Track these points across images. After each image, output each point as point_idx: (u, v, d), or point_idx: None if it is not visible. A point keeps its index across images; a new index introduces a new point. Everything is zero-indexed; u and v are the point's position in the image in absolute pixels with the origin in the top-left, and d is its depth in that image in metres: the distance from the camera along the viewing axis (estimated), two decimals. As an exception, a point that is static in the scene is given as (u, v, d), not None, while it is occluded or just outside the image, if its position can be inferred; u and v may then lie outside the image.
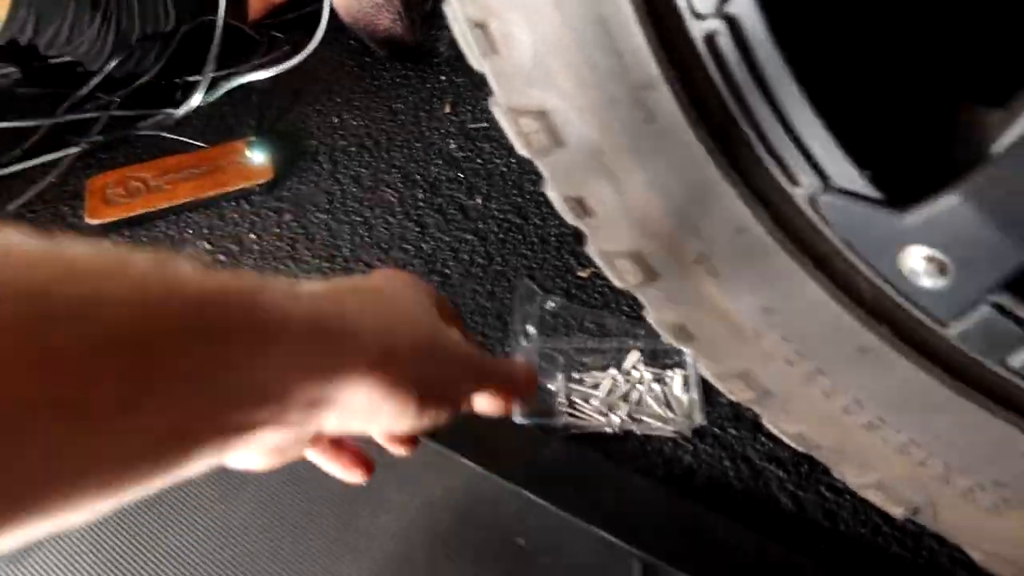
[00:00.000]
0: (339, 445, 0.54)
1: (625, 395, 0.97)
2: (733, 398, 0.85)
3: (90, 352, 0.26)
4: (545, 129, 0.80)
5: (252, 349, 0.34)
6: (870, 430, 0.76)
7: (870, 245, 0.71)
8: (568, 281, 1.15)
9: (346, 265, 1.21)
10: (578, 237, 0.87)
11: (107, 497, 0.29)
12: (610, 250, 0.84)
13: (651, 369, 0.99)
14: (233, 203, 1.35)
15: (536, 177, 0.84)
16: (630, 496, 0.85)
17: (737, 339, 0.80)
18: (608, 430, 0.94)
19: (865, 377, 0.74)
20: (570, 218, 0.86)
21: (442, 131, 1.47)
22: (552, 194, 0.86)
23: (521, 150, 0.84)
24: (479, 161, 1.39)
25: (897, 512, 0.79)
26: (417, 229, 1.27)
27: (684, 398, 0.96)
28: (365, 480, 0.55)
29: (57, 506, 0.26)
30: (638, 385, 0.98)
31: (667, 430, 0.92)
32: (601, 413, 0.94)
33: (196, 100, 1.54)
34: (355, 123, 1.53)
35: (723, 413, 0.96)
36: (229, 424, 0.34)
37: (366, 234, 1.27)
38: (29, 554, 0.79)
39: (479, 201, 1.31)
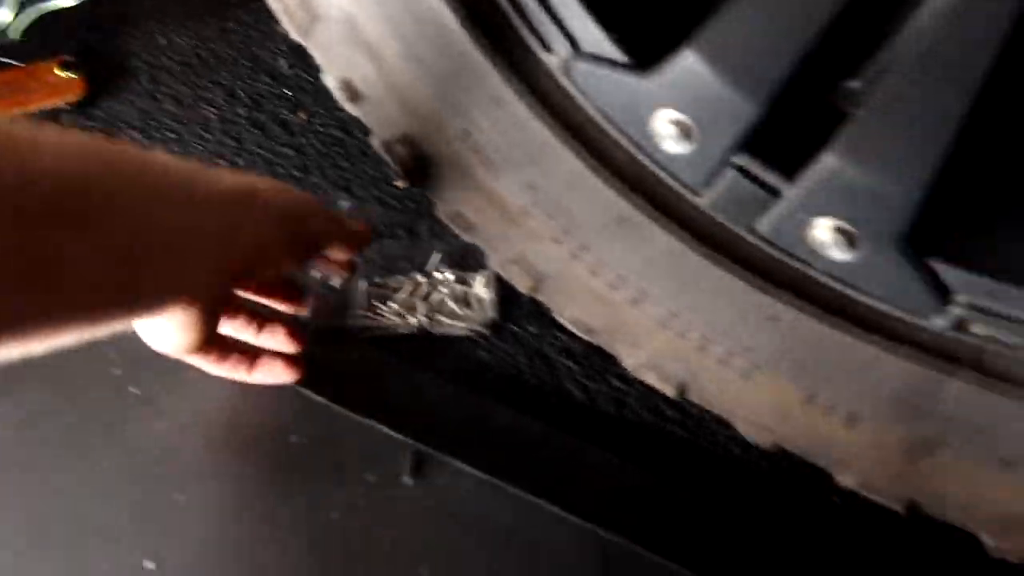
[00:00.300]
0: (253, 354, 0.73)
1: (426, 296, 0.94)
2: (522, 289, 0.84)
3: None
4: (303, 3, 0.76)
5: (178, 208, 0.46)
6: (634, 305, 0.75)
7: (621, 112, 0.69)
8: (383, 191, 1.11)
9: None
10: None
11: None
12: (386, 137, 0.81)
13: (455, 271, 0.97)
14: (41, 120, 1.26)
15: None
16: (412, 391, 0.83)
17: (507, 221, 0.78)
18: (404, 331, 0.91)
19: (625, 250, 0.73)
20: (348, 107, 0.82)
21: (273, 49, 1.40)
22: (328, 80, 0.82)
23: (291, 31, 0.80)
24: (309, 79, 1.32)
25: (669, 391, 0.79)
26: (234, 144, 1.21)
27: (486, 298, 0.93)
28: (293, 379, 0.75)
29: None
30: (440, 287, 0.95)
31: (462, 327, 0.90)
32: (398, 315, 0.92)
33: (5, 18, 1.42)
34: (182, 42, 1.44)
35: (524, 311, 0.95)
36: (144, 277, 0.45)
37: (179, 150, 1.20)
38: None
39: (303, 117, 1.25)
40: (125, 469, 0.77)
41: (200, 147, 1.21)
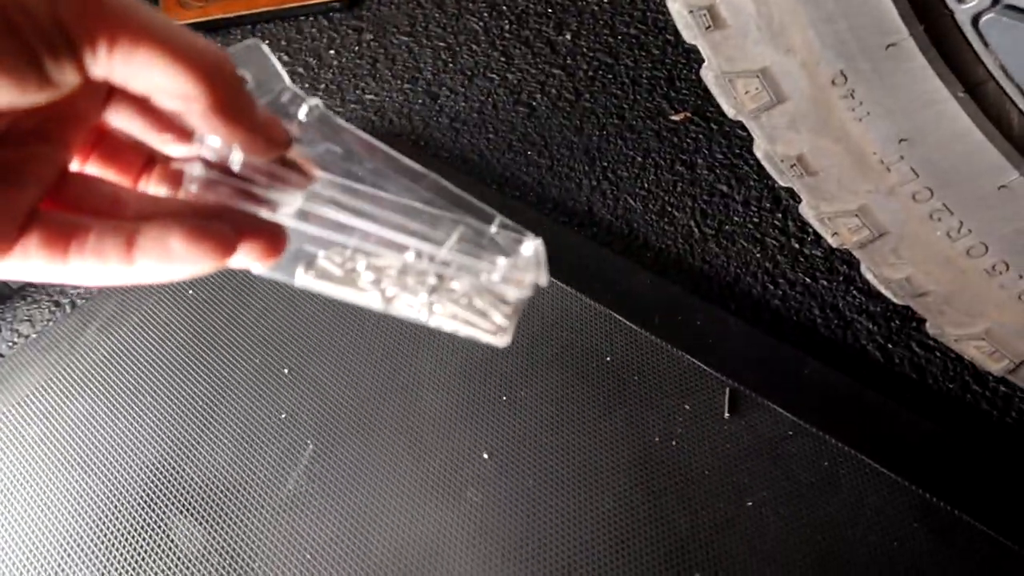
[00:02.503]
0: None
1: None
2: (835, 242, 0.82)
3: None
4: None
5: None
6: (991, 275, 0.73)
7: (1033, 72, 0.65)
8: (660, 124, 1.10)
9: (428, 88, 1.17)
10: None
11: None
12: (736, 69, 0.79)
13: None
14: (312, 18, 1.30)
15: (629, 19, 0.78)
16: (721, 330, 0.83)
17: (862, 172, 0.76)
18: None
19: (998, 218, 0.70)
20: (693, 35, 0.80)
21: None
22: (674, 5, 0.80)
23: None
24: (569, -2, 1.31)
25: (997, 367, 0.77)
26: (503, 59, 1.22)
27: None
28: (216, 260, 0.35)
29: None
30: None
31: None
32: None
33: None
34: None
35: (814, 264, 0.93)
36: None
37: (449, 60, 1.22)
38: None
39: (568, 37, 1.24)
40: (457, 368, 0.81)
41: (470, 59, 1.22)
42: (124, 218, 0.35)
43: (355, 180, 0.42)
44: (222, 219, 0.35)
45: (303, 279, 0.42)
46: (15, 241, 0.32)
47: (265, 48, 0.39)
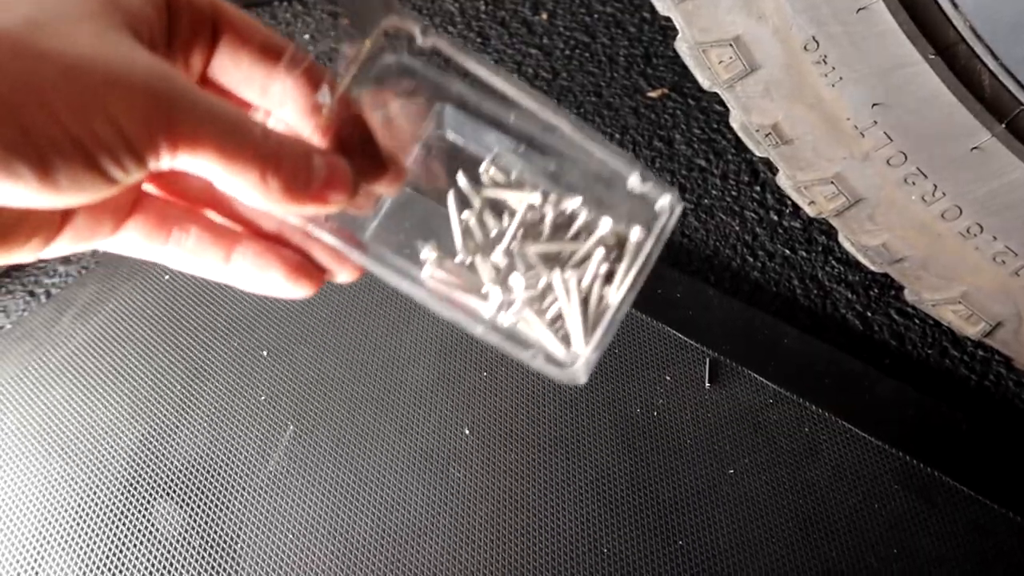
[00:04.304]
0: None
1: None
2: (812, 211, 0.83)
3: None
4: None
5: None
6: (965, 238, 0.73)
7: (999, 32, 0.66)
8: (636, 101, 1.10)
9: (404, 70, 1.16)
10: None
11: None
12: (709, 39, 0.79)
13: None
14: (286, 3, 1.29)
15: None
16: (699, 300, 0.83)
17: (836, 138, 0.76)
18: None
19: (972, 180, 0.71)
20: (666, 6, 0.80)
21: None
22: (649, -24, 0.79)
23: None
24: (545, -22, 1.31)
25: (974, 331, 0.77)
26: (479, 40, 1.21)
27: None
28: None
29: None
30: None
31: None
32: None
33: None
34: (414, -67, 1.44)
35: (793, 235, 0.93)
36: None
37: (425, 42, 1.21)
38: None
39: (544, 17, 1.24)
40: (436, 346, 0.81)
41: (445, 40, 1.21)
42: (220, 211, 0.39)
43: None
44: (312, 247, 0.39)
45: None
46: (122, 222, 0.36)
47: None
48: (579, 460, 0.74)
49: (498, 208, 0.43)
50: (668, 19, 0.81)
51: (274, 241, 0.39)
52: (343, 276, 0.40)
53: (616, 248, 0.40)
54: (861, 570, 0.68)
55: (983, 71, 0.69)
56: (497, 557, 0.70)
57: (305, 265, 0.39)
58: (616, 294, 0.39)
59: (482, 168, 0.43)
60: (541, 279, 0.40)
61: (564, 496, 0.73)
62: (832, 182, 0.78)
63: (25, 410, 0.86)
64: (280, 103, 0.37)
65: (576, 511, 0.72)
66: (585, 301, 0.39)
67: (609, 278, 0.39)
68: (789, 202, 0.97)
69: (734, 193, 0.98)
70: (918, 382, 0.82)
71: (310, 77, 0.36)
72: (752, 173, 1.00)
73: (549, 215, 0.42)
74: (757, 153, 0.83)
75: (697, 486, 0.72)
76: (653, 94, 1.11)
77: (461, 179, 0.43)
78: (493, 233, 0.42)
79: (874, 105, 0.72)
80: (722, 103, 0.84)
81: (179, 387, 0.85)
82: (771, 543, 0.69)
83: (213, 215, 0.39)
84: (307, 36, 1.25)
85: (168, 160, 0.30)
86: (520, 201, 0.42)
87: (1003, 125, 0.68)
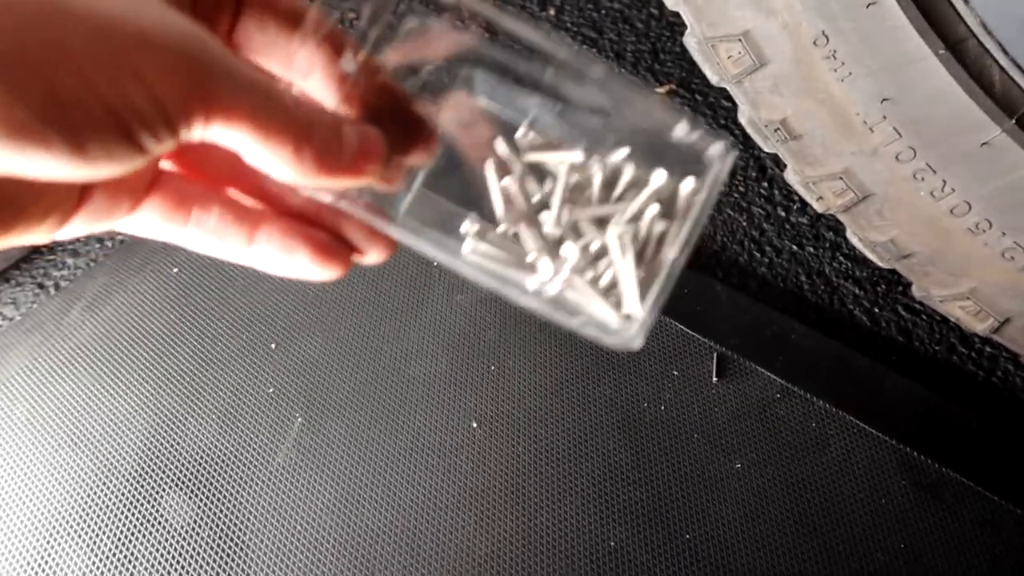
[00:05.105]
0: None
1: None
2: (820, 207, 0.83)
3: None
4: None
5: None
6: (974, 234, 0.73)
7: (1009, 27, 0.65)
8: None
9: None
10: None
11: None
12: (718, 34, 0.79)
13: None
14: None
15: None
16: (706, 295, 0.83)
17: (845, 134, 0.76)
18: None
19: (981, 176, 0.70)
20: (675, 1, 0.80)
21: (513, -59, 1.38)
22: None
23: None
24: (552, -27, 1.31)
25: (982, 327, 0.77)
26: (485, 36, 1.21)
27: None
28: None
29: None
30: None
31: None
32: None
33: None
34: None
35: (801, 231, 0.93)
36: None
37: (433, 37, 1.21)
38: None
39: (552, 13, 1.24)
40: (445, 339, 0.81)
41: (453, 35, 1.21)
42: (244, 189, 0.37)
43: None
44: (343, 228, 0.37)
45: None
46: (140, 201, 0.34)
47: None
48: (587, 454, 0.74)
49: (540, 173, 0.41)
50: (676, 15, 0.81)
51: (300, 220, 0.37)
52: (373, 256, 0.38)
53: (667, 203, 0.38)
54: (868, 565, 0.68)
55: (993, 67, 0.68)
56: (504, 549, 0.71)
57: (333, 246, 0.37)
58: (671, 251, 0.37)
59: (519, 133, 0.41)
60: (593, 243, 0.37)
61: (571, 489, 0.73)
62: (841, 177, 0.78)
63: (35, 401, 0.86)
64: (306, 73, 0.35)
65: (583, 504, 0.72)
66: (639, 261, 0.37)
67: (661, 235, 0.37)
68: (797, 198, 0.96)
69: (741, 189, 0.98)
70: (925, 378, 0.82)
71: (334, 43, 0.35)
72: (760, 169, 1.00)
73: (595, 174, 0.39)
74: (765, 149, 0.83)
75: (704, 480, 0.72)
76: (661, 90, 1.11)
77: (499, 144, 0.41)
78: (536, 199, 0.40)
79: (883, 100, 0.72)
80: (730, 99, 0.84)
81: (188, 379, 0.85)
82: (778, 537, 0.70)
83: (235, 193, 0.37)
84: None
85: (200, 130, 0.29)
86: (562, 162, 0.40)
87: (1013, 121, 0.68)
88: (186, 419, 0.82)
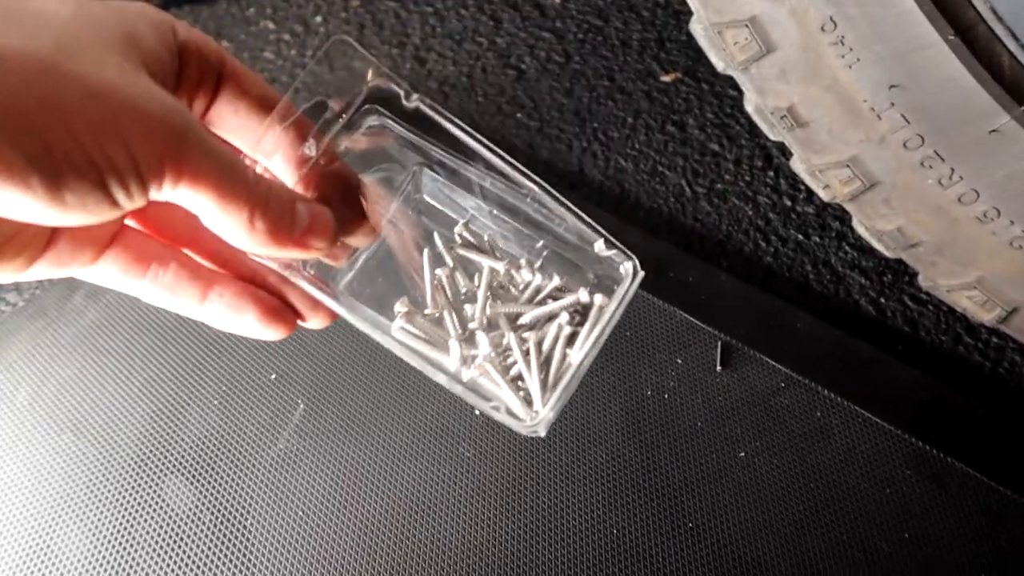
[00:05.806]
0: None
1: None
2: (826, 196, 0.82)
3: None
4: None
5: None
6: (982, 222, 0.72)
7: (1019, 13, 0.65)
8: (649, 85, 1.09)
9: (416, 53, 1.16)
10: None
11: None
12: (724, 20, 0.78)
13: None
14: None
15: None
16: (711, 284, 0.83)
17: (853, 121, 0.75)
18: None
19: (990, 164, 0.70)
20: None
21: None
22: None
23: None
24: (557, -39, 1.30)
25: (988, 317, 0.77)
26: (491, 23, 1.20)
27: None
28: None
29: None
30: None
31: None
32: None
33: None
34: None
35: (806, 220, 0.93)
36: None
37: (437, 25, 1.20)
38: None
39: (557, 1, 1.23)
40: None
41: (459, 23, 1.21)
42: (199, 251, 0.41)
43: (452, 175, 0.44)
44: (288, 293, 0.42)
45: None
46: (102, 252, 0.38)
47: (351, 42, 0.41)
48: (590, 442, 0.74)
49: (470, 268, 0.46)
50: (682, 2, 0.80)
51: (250, 282, 0.41)
52: (315, 323, 0.43)
53: (581, 309, 0.43)
54: (872, 555, 0.68)
55: (1003, 53, 0.68)
56: (507, 537, 0.70)
57: (280, 309, 0.41)
58: (578, 354, 0.41)
59: (456, 229, 0.46)
60: (505, 338, 0.42)
61: (574, 477, 0.73)
62: (847, 165, 0.77)
63: (37, 387, 0.86)
64: (270, 153, 0.39)
65: (586, 493, 0.72)
66: (547, 360, 0.42)
67: (571, 338, 0.42)
68: (803, 187, 0.96)
69: (747, 178, 0.97)
70: (932, 368, 0.81)
71: (298, 130, 0.39)
72: (765, 158, 0.99)
73: (517, 278, 0.45)
74: (771, 137, 0.82)
75: (708, 469, 0.72)
76: (666, 78, 1.10)
77: (436, 238, 0.47)
78: (464, 291, 0.46)
79: (891, 87, 0.71)
80: (736, 87, 0.83)
81: (190, 364, 0.85)
82: (781, 527, 0.69)
83: (192, 255, 0.41)
84: (319, 18, 1.25)
85: (168, 190, 0.32)
86: (488, 266, 0.45)
87: (1022, 107, 0.67)
88: (188, 404, 0.82)
